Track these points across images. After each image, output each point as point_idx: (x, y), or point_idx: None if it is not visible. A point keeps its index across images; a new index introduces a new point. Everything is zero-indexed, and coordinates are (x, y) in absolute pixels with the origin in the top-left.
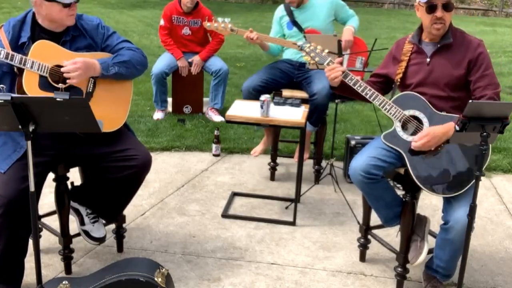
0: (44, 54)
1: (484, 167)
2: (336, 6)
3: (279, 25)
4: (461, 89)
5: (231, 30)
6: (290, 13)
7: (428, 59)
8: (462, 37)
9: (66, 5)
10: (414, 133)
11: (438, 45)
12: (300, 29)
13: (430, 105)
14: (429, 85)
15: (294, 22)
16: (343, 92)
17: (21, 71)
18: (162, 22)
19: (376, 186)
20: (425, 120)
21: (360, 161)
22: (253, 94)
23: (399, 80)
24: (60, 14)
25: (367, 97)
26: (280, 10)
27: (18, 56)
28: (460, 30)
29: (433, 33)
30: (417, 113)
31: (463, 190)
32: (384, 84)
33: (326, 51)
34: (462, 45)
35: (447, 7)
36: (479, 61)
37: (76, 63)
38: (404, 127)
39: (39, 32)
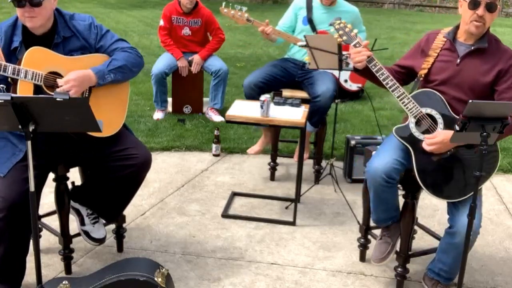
0: (37, 62)
1: (493, 173)
2: (355, 19)
3: (294, 14)
4: (483, 97)
5: (247, 20)
6: (309, 9)
7: (458, 60)
8: (497, 45)
9: (18, 5)
10: (426, 132)
11: (472, 48)
12: (314, 29)
13: (448, 107)
14: (453, 86)
15: (310, 20)
16: (363, 75)
17: (15, 80)
18: (161, 23)
19: (389, 191)
20: (440, 121)
21: (383, 163)
22: (254, 90)
23: (423, 75)
24: (20, 15)
25: (387, 87)
26: (301, 0)
27: (10, 67)
28: (495, 37)
29: (471, 31)
30: (433, 112)
31: (467, 196)
32: (406, 76)
33: (355, 31)
34: (496, 53)
35: (490, 8)
36: (510, 73)
37: (68, 82)
38: (417, 123)
39: (29, 37)
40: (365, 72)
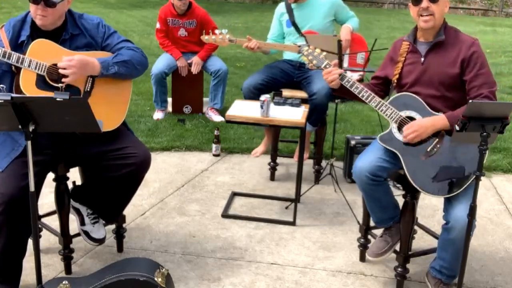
0: (42, 53)
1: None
2: (337, 7)
3: (279, 22)
4: (456, 89)
5: (229, 40)
6: (290, 12)
7: (422, 58)
8: (456, 35)
9: (33, 1)
10: None
11: (432, 43)
12: (298, 30)
13: (426, 105)
14: (423, 85)
15: (293, 23)
16: (342, 94)
17: (18, 70)
18: (158, 25)
19: (378, 189)
20: None
21: (367, 162)
22: (254, 93)
23: (395, 80)
24: (33, 11)
25: (363, 98)
26: (281, 6)
27: (15, 55)
28: (454, 28)
29: (421, 26)
30: (413, 114)
31: (460, 190)
32: (384, 86)
33: (324, 53)
34: (455, 44)
35: None
36: (473, 60)
37: (71, 61)
38: (400, 128)
39: (37, 32)
40: (342, 90)
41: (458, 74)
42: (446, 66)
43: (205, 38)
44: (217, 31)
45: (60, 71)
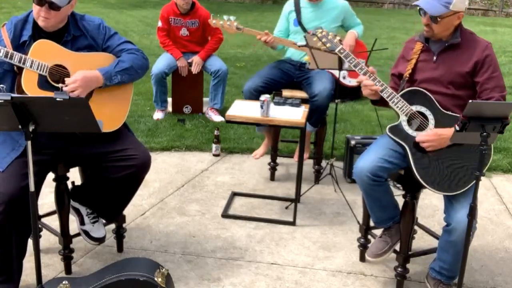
0: (44, 54)
1: (486, 168)
2: (346, 13)
3: (286, 19)
4: (466, 88)
5: (237, 28)
6: (298, 11)
7: (434, 57)
8: (471, 38)
9: (38, 3)
10: (419, 129)
11: (446, 44)
12: (304, 29)
13: (436, 102)
14: (434, 82)
15: (300, 23)
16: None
17: (20, 70)
18: (159, 24)
19: (379, 189)
20: (431, 117)
21: (368, 162)
22: (255, 95)
23: (407, 76)
24: (35, 12)
25: None
26: (290, 5)
27: (17, 55)
28: (469, 31)
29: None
30: (423, 109)
31: (465, 189)
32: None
33: (338, 38)
34: (470, 46)
35: (432, 19)
36: (487, 63)
37: (75, 81)
38: (409, 122)
39: (39, 32)
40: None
41: (468, 73)
42: (457, 66)
43: (212, 22)
44: (225, 17)
45: (70, 94)
